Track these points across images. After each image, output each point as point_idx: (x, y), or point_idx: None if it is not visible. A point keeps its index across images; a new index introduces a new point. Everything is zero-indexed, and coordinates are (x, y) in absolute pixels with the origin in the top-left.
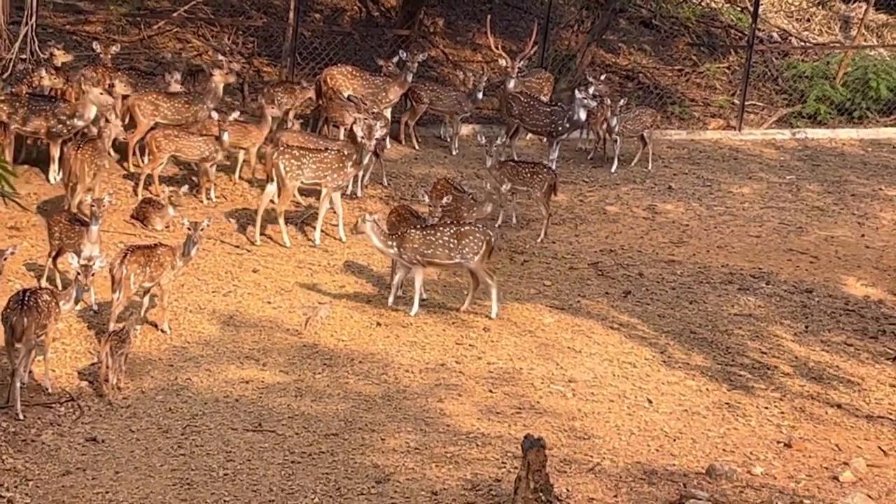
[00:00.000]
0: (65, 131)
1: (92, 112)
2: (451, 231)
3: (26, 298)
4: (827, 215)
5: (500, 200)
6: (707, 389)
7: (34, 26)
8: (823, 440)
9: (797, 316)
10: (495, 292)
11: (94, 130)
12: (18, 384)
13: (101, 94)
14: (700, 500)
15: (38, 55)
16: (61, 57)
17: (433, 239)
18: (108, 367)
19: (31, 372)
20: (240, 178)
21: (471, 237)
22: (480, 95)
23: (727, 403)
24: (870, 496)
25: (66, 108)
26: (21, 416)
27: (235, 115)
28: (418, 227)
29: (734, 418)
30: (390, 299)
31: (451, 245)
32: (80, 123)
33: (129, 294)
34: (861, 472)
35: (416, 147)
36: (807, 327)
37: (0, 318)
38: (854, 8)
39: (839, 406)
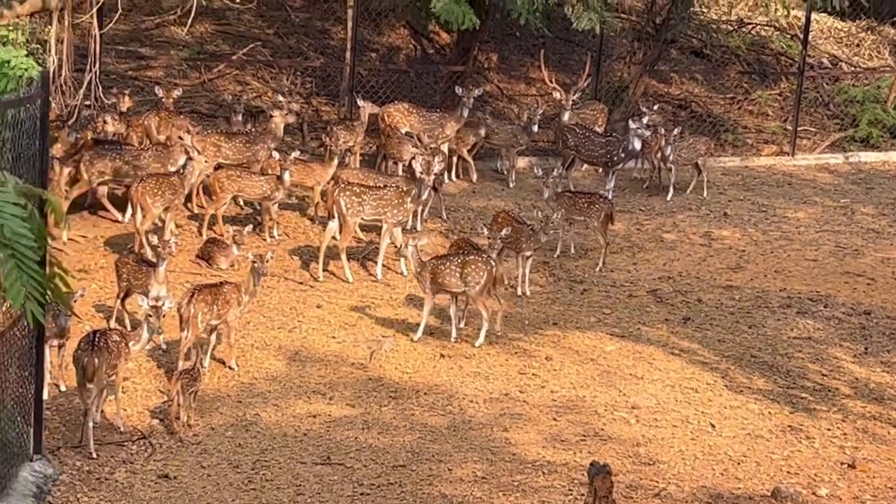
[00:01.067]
0: (131, 174)
1: (182, 160)
2: (459, 261)
3: (97, 339)
4: (882, 237)
5: (549, 229)
6: (769, 412)
7: (98, 73)
8: (887, 460)
9: (856, 338)
10: (486, 326)
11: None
12: (91, 423)
13: (193, 144)
14: None
15: (101, 101)
16: (128, 103)
17: (443, 269)
18: (178, 405)
19: (102, 411)
20: (302, 215)
21: (473, 266)
22: (536, 128)
23: (790, 426)
24: None
25: (131, 151)
26: (94, 455)
27: (296, 154)
28: (436, 257)
29: (797, 440)
30: (453, 334)
31: (458, 274)
32: (172, 170)
33: (197, 332)
34: None
35: (474, 180)
36: (866, 349)
37: (72, 359)
38: None
39: None
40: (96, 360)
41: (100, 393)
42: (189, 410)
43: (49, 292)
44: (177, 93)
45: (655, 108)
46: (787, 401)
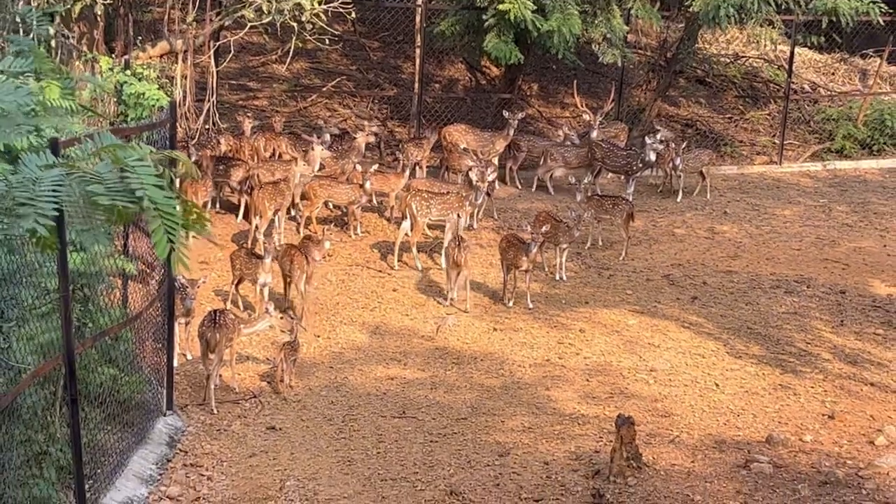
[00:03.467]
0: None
1: (297, 178)
2: (450, 246)
3: (216, 317)
4: (854, 230)
5: (581, 226)
6: (763, 374)
7: (214, 102)
8: (860, 412)
9: (834, 312)
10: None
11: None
12: (212, 386)
13: (306, 166)
14: (762, 463)
15: (218, 125)
16: (248, 125)
17: (448, 251)
18: (282, 370)
19: (221, 375)
20: (381, 216)
21: (457, 251)
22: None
23: (780, 384)
24: None
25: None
26: (215, 411)
27: (375, 167)
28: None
29: (786, 396)
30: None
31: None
32: (303, 179)
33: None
34: (892, 437)
35: (519, 187)
36: (842, 321)
37: (197, 334)
38: (870, 62)
39: (872, 384)
40: (217, 335)
41: (219, 361)
42: (291, 374)
43: (193, 227)
44: (279, 119)
45: (667, 126)
46: (778, 364)
